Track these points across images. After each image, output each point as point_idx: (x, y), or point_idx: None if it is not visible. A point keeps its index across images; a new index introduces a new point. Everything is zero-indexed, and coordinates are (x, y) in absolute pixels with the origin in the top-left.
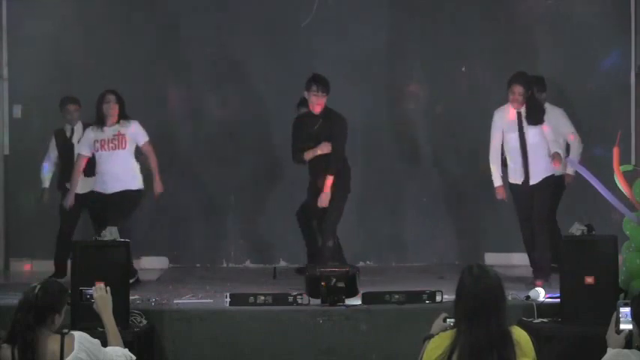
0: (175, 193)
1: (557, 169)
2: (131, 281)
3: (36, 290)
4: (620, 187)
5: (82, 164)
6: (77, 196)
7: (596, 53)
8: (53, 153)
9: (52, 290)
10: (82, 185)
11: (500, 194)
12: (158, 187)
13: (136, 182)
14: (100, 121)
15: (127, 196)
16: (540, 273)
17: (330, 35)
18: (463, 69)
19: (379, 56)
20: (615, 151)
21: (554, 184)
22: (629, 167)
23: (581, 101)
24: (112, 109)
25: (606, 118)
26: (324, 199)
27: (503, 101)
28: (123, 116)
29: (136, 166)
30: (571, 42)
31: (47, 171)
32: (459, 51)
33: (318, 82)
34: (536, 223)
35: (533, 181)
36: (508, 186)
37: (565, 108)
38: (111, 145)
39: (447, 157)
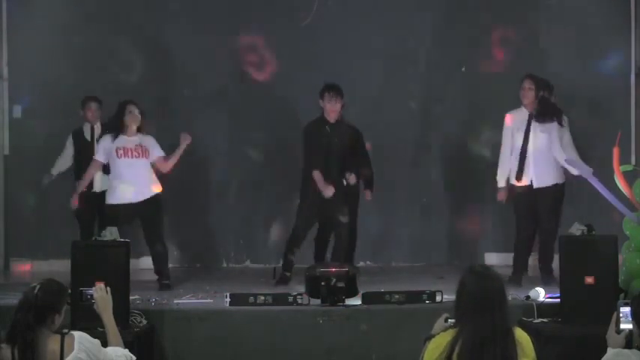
0: (175, 192)
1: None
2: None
3: (36, 290)
4: (620, 187)
5: (97, 169)
6: (95, 194)
7: (596, 53)
8: (69, 151)
9: (52, 290)
10: (100, 184)
11: (501, 197)
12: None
13: (158, 187)
14: (121, 130)
15: (157, 200)
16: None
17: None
18: (463, 69)
19: (377, 55)
20: (615, 151)
21: (561, 192)
22: (629, 167)
23: (581, 101)
24: (135, 119)
25: (606, 118)
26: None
27: (503, 102)
28: (143, 128)
29: (152, 174)
30: (571, 42)
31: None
32: (460, 51)
33: (333, 88)
34: (547, 232)
35: (537, 185)
36: (509, 187)
37: (565, 108)
38: (135, 153)
39: (447, 157)
